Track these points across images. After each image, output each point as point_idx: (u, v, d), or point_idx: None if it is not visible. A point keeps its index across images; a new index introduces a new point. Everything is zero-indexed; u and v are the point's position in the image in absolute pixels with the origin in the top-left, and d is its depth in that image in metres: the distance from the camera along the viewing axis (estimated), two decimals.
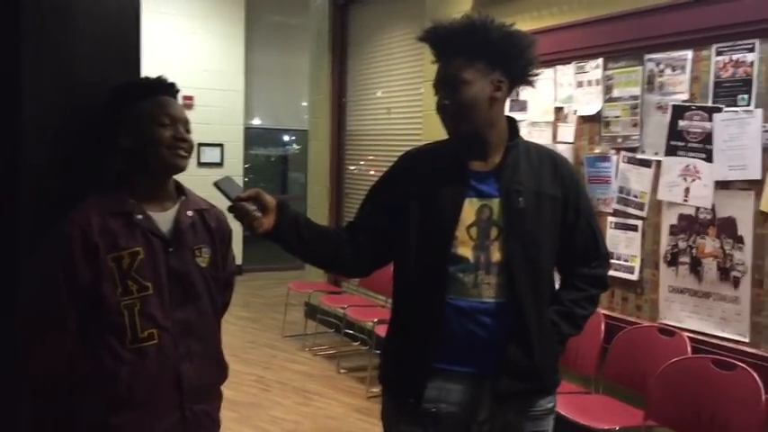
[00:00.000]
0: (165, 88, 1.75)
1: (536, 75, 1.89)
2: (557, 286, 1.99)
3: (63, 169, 1.74)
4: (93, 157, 1.76)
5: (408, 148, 2.03)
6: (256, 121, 9.25)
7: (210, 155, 8.35)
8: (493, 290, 1.81)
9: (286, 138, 10.15)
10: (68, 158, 1.74)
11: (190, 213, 1.77)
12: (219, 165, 8.36)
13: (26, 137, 1.71)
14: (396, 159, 2.00)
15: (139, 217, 1.68)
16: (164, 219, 1.73)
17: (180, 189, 1.81)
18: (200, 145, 8.15)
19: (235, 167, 8.57)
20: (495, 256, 1.82)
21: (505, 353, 1.80)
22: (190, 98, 7.99)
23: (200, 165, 8.11)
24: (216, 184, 1.73)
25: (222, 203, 1.79)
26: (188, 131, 1.73)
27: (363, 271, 2.01)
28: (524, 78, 1.88)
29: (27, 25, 1.69)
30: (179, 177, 1.79)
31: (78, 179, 1.73)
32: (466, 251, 1.82)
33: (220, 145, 8.49)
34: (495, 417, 1.84)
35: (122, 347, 1.64)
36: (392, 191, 1.92)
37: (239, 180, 8.54)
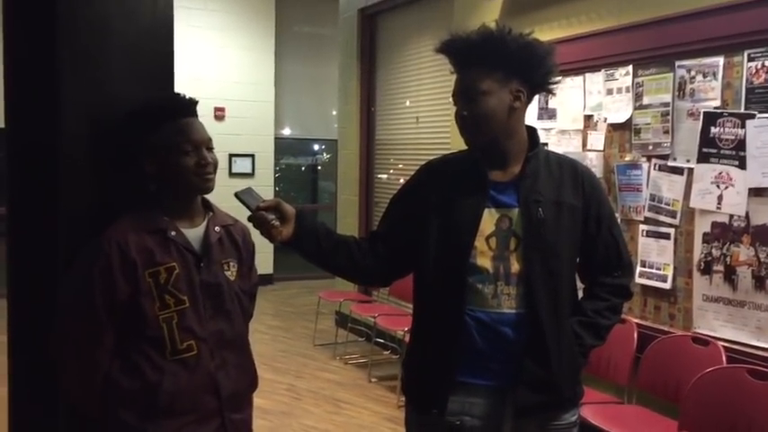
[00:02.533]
0: (183, 109, 1.75)
1: (556, 83, 1.89)
2: (580, 296, 1.97)
3: (99, 185, 1.79)
4: (127, 175, 1.80)
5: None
6: (287, 131, 9.33)
7: (242, 165, 8.43)
8: (513, 301, 1.80)
9: (316, 147, 10.22)
10: (104, 175, 1.79)
11: (217, 229, 1.82)
12: (251, 175, 8.43)
13: (64, 153, 1.76)
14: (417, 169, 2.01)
15: (173, 233, 1.72)
16: (193, 234, 1.77)
17: (207, 205, 1.85)
18: (232, 156, 8.26)
19: (266, 177, 8.65)
20: (515, 266, 1.81)
21: (522, 365, 1.80)
22: (222, 109, 8.10)
23: (232, 175, 8.20)
24: (237, 195, 1.78)
25: (245, 215, 1.82)
26: (210, 150, 1.75)
27: (382, 281, 2.04)
28: (545, 87, 1.88)
29: (63, 43, 1.74)
30: None
31: (114, 195, 1.78)
32: (485, 262, 1.81)
33: (251, 155, 8.57)
34: (520, 430, 1.83)
35: (163, 359, 1.68)
36: (412, 201, 1.93)
37: (270, 190, 8.62)
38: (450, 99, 1.89)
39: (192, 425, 1.71)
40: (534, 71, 1.83)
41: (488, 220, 1.83)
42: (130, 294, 1.65)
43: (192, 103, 1.77)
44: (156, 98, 1.80)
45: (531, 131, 1.91)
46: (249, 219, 1.79)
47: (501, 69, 1.79)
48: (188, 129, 1.73)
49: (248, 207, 1.77)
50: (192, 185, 1.74)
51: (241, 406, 1.84)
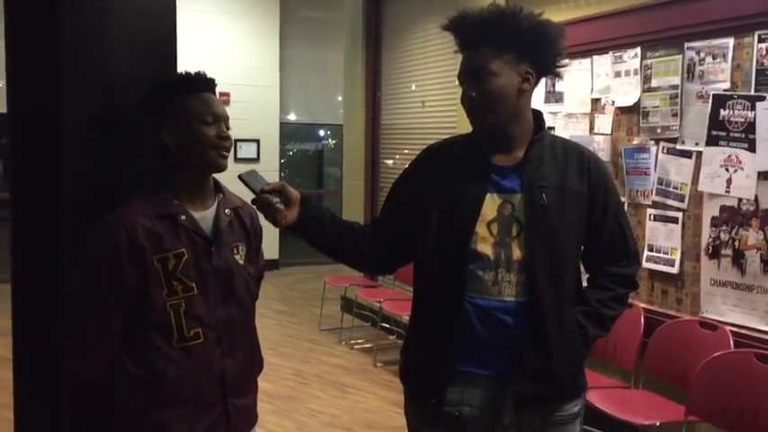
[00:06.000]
0: (205, 84, 1.75)
1: (564, 66, 1.85)
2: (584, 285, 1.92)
3: (103, 168, 1.77)
4: (132, 156, 1.78)
5: None
6: (292, 117, 9.31)
7: (247, 150, 8.42)
8: (514, 288, 1.76)
9: (321, 133, 10.20)
10: (108, 157, 1.77)
11: (227, 212, 1.78)
12: (256, 160, 8.42)
13: (66, 136, 1.74)
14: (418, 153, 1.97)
15: (183, 218, 1.69)
16: (204, 218, 1.74)
17: (218, 186, 1.82)
18: (237, 141, 8.23)
19: (271, 163, 8.64)
20: (517, 253, 1.76)
21: (523, 355, 1.76)
22: (226, 94, 8.07)
23: (237, 160, 8.18)
24: (241, 177, 1.75)
25: (249, 197, 1.81)
26: (228, 128, 1.74)
27: (386, 268, 2.01)
28: (553, 70, 1.84)
29: (65, 26, 1.72)
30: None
31: (118, 178, 1.76)
32: (486, 248, 1.77)
33: (257, 140, 8.56)
34: (521, 422, 1.79)
35: (169, 347, 1.66)
36: (413, 186, 1.89)
37: (275, 175, 8.61)
38: (456, 82, 1.84)
39: (195, 412, 1.70)
40: (544, 53, 1.79)
41: (490, 205, 1.78)
42: (139, 281, 1.63)
43: (212, 82, 1.77)
44: (180, 74, 1.78)
45: (537, 115, 1.86)
46: (253, 201, 1.76)
47: (511, 50, 1.74)
48: (211, 101, 1.73)
49: (252, 190, 1.75)
50: (208, 159, 1.70)
51: (245, 390, 1.82)
